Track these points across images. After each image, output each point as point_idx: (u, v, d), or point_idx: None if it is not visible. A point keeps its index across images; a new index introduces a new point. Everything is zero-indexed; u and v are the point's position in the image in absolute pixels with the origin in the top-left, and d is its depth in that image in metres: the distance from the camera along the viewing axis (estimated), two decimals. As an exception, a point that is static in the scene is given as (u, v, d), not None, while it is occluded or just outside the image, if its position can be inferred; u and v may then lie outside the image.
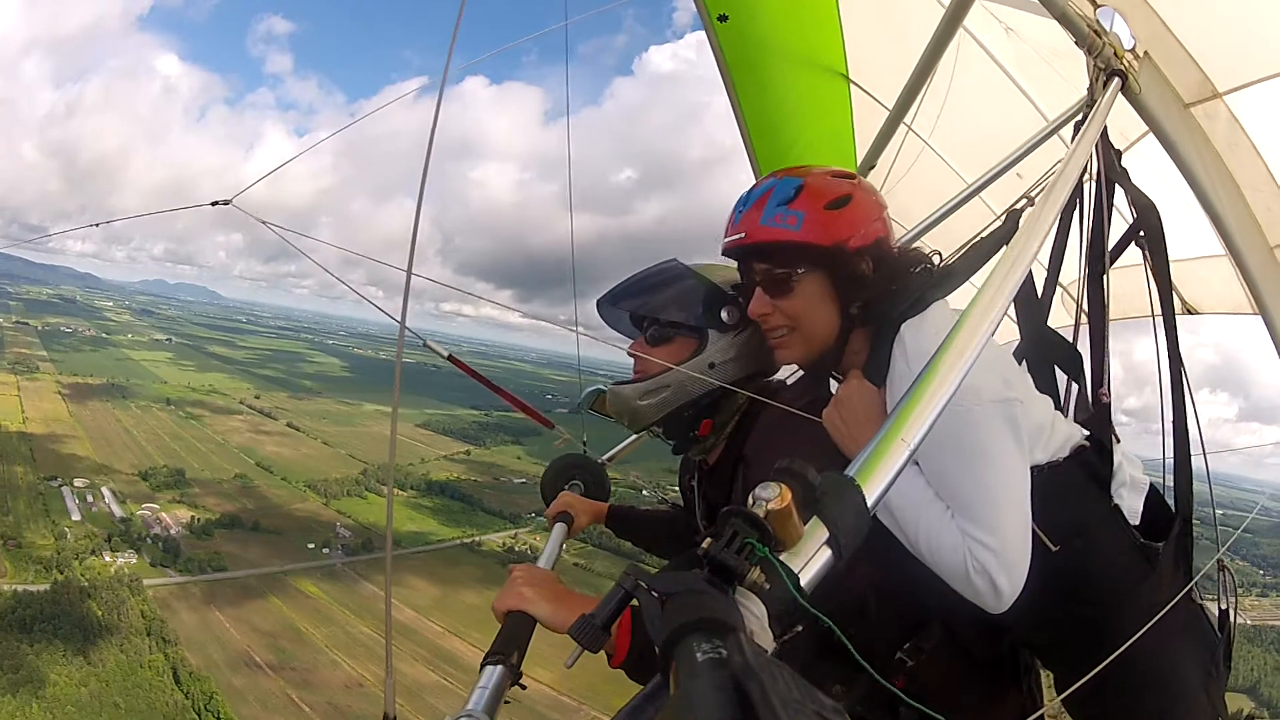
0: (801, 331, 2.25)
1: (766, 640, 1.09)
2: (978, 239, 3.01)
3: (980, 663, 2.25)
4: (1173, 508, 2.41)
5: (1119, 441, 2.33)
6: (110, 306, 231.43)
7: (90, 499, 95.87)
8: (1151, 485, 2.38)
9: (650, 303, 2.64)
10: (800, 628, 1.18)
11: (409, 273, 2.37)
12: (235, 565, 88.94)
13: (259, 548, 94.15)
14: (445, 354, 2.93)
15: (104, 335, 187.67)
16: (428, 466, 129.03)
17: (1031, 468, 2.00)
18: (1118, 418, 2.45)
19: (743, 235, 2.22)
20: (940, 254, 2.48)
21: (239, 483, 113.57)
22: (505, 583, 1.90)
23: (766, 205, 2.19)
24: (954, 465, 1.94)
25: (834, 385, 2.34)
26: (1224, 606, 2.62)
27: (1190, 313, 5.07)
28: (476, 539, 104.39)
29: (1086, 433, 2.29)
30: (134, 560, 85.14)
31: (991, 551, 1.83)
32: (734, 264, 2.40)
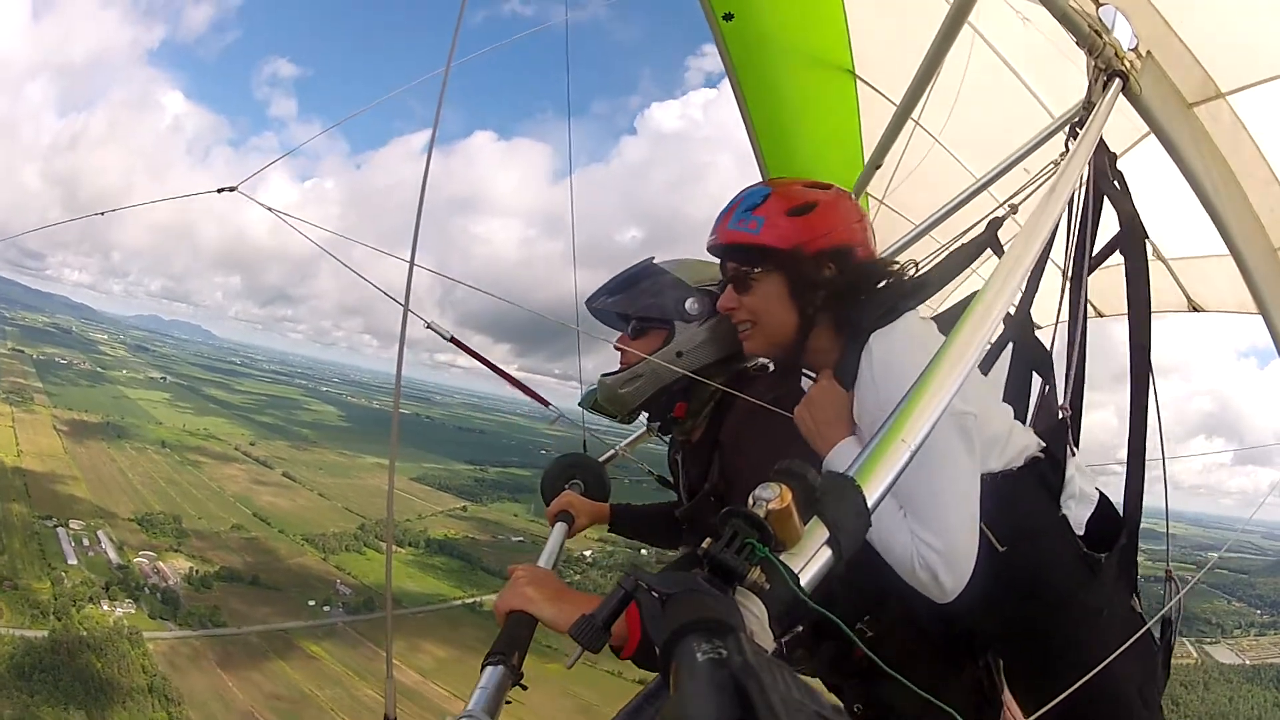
0: (761, 326, 2.48)
1: (766, 640, 1.11)
2: (956, 247, 3.29)
3: (936, 639, 2.40)
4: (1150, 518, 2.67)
5: (1074, 455, 2.53)
6: (105, 340, 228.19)
7: (86, 542, 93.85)
8: (1105, 497, 2.55)
9: (621, 300, 2.97)
10: (800, 627, 1.27)
11: (411, 262, 2.57)
12: (235, 621, 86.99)
13: (259, 603, 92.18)
14: (448, 335, 3.11)
15: (99, 370, 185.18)
16: (426, 523, 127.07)
17: (985, 475, 2.17)
18: (1111, 468, 2.77)
19: (715, 238, 2.50)
20: (916, 264, 2.68)
21: (236, 534, 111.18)
22: (507, 582, 1.96)
23: (736, 211, 2.46)
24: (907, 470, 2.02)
25: (807, 383, 2.56)
26: (1167, 615, 2.79)
27: (1196, 310, 5.25)
28: (479, 600, 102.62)
29: (1043, 444, 2.47)
30: (133, 611, 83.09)
31: (936, 552, 2.00)
32: (718, 261, 2.62)
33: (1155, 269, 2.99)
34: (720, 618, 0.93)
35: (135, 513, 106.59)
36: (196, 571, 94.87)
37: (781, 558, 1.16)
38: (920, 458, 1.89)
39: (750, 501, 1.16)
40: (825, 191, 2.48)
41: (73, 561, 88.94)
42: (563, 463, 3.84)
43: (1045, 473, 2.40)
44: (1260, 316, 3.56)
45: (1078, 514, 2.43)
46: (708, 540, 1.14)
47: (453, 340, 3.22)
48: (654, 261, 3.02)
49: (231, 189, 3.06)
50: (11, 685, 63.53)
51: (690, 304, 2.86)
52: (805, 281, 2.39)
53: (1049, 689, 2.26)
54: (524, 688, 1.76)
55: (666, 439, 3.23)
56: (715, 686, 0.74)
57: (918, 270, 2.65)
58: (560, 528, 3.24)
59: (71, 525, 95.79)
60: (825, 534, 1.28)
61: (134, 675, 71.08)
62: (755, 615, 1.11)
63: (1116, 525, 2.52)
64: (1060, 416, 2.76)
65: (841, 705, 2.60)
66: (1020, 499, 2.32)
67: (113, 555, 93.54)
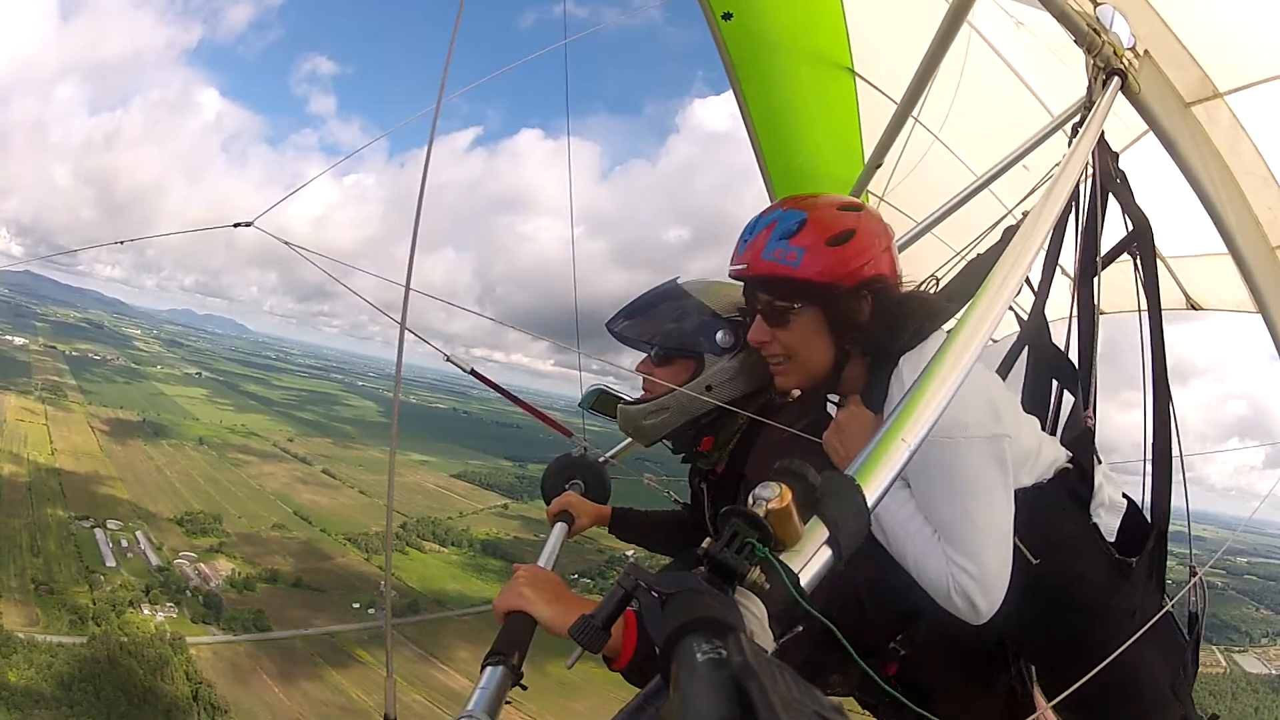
0: (797, 360, 2.44)
1: (766, 640, 1.13)
2: (974, 257, 3.36)
3: (968, 653, 2.45)
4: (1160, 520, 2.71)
5: (1100, 463, 2.50)
6: (139, 334, 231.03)
7: (125, 544, 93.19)
8: (1132, 502, 2.57)
9: (649, 328, 2.91)
10: (800, 628, 1.21)
11: (407, 286, 2.62)
12: (279, 624, 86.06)
13: (302, 606, 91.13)
14: (468, 369, 3.33)
15: (134, 365, 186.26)
16: (468, 521, 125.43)
17: (1018, 490, 2.19)
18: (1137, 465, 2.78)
19: (745, 266, 2.42)
20: (937, 279, 2.86)
21: (277, 533, 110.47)
22: (507, 582, 1.95)
23: (770, 238, 2.37)
24: (941, 495, 2.12)
25: (832, 408, 2.58)
26: (1193, 609, 2.80)
27: (1194, 308, 5.33)
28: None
29: (1070, 455, 2.45)
30: (174, 615, 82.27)
31: (971, 578, 2.03)
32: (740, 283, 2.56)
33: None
34: (720, 618, 0.94)
35: (175, 512, 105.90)
36: (238, 573, 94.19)
37: (782, 557, 1.17)
38: (953, 482, 2.11)
39: (750, 501, 1.16)
40: (858, 215, 2.42)
41: (111, 564, 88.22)
42: (563, 462, 3.80)
43: (1074, 483, 2.41)
44: (1259, 315, 3.57)
45: (1108, 522, 2.44)
46: (708, 540, 1.16)
47: (472, 373, 3.38)
48: (679, 283, 2.99)
49: (248, 224, 3.06)
50: (50, 697, 62.41)
51: (721, 336, 2.82)
52: (845, 318, 2.36)
53: (1084, 692, 2.25)
54: (524, 688, 1.76)
55: (686, 464, 3.22)
56: (715, 687, 0.75)
57: (939, 286, 2.81)
58: (560, 528, 3.22)
59: (109, 525, 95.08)
60: (825, 533, 1.29)
61: (178, 683, 69.90)
62: (755, 615, 1.12)
63: (1143, 529, 2.55)
64: (1087, 425, 2.66)
65: (841, 706, 1.96)
66: (1052, 511, 2.32)
67: (151, 556, 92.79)
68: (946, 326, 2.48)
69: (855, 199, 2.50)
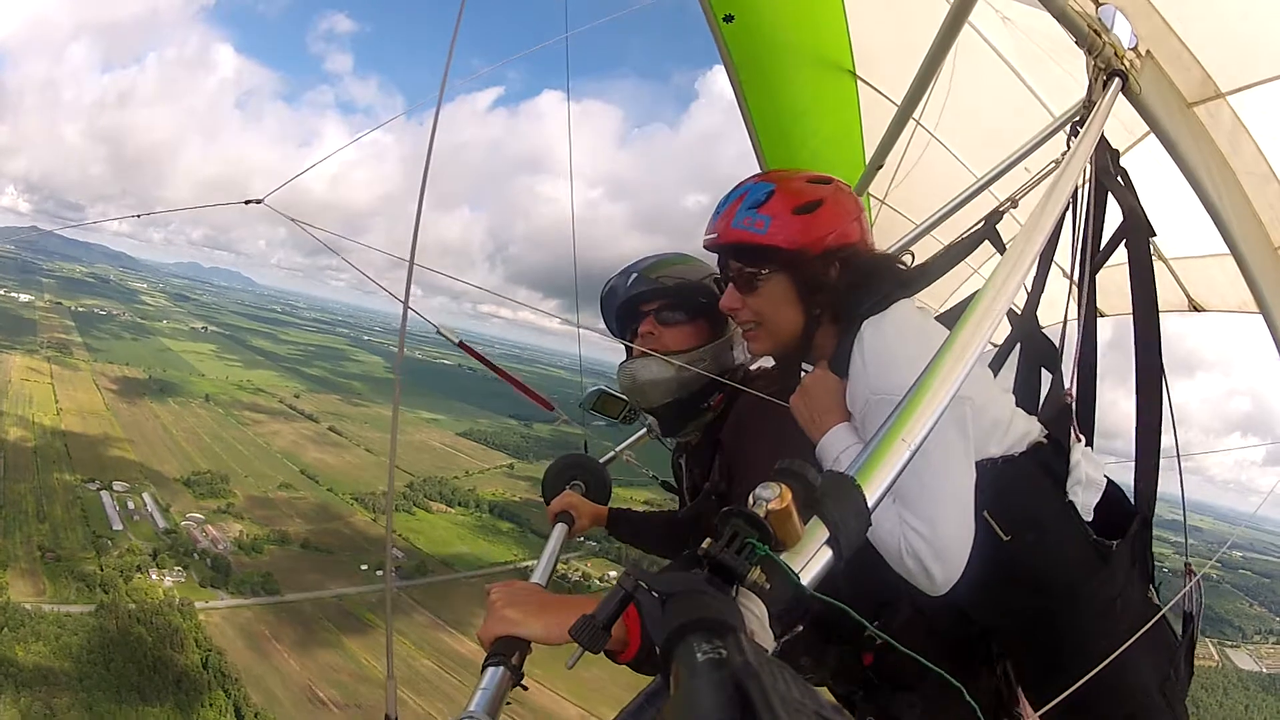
0: (767, 327, 2.44)
1: (767, 640, 1.13)
2: (952, 240, 3.35)
3: (949, 644, 2.36)
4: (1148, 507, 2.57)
5: (1080, 441, 2.43)
6: (144, 288, 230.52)
7: (131, 506, 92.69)
8: (1116, 486, 2.47)
9: (687, 285, 2.90)
10: (800, 628, 1.23)
11: (410, 261, 2.54)
12: (288, 587, 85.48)
13: (311, 568, 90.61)
14: (456, 340, 3.10)
15: (140, 321, 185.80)
16: (474, 481, 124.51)
17: (985, 461, 2.14)
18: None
19: (716, 235, 2.43)
20: (914, 255, 2.79)
21: (285, 493, 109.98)
22: (487, 609, 1.86)
23: (739, 208, 2.39)
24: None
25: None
26: (1188, 609, 2.67)
27: (1197, 310, 5.27)
28: (530, 565, 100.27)
29: (1046, 430, 2.40)
30: (182, 579, 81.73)
31: (923, 539, 1.95)
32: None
33: (1156, 268, 2.90)
34: (721, 618, 0.94)
35: (182, 473, 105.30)
36: (246, 535, 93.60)
37: (782, 558, 1.17)
38: None
39: (750, 501, 1.16)
40: (827, 186, 2.45)
41: (118, 527, 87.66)
42: (564, 462, 3.70)
43: (1049, 459, 2.33)
44: (1261, 316, 3.52)
45: (1085, 500, 2.33)
46: (708, 540, 1.15)
47: (461, 345, 3.19)
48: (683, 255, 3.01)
49: (258, 201, 3.01)
50: (60, 672, 61.80)
51: None
52: (812, 282, 2.37)
53: (1064, 686, 2.20)
54: (524, 688, 1.73)
55: (669, 440, 3.22)
56: (716, 687, 0.75)
57: (914, 262, 2.69)
58: (560, 528, 3.18)
59: (116, 488, 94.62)
60: (825, 534, 1.28)
61: (189, 651, 69.44)
62: (756, 615, 1.13)
63: (1129, 514, 2.45)
64: (1065, 401, 2.59)
65: (840, 706, 2.52)
66: (1023, 485, 2.26)
67: (158, 518, 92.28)
68: (943, 309, 2.47)
69: (826, 174, 2.49)
